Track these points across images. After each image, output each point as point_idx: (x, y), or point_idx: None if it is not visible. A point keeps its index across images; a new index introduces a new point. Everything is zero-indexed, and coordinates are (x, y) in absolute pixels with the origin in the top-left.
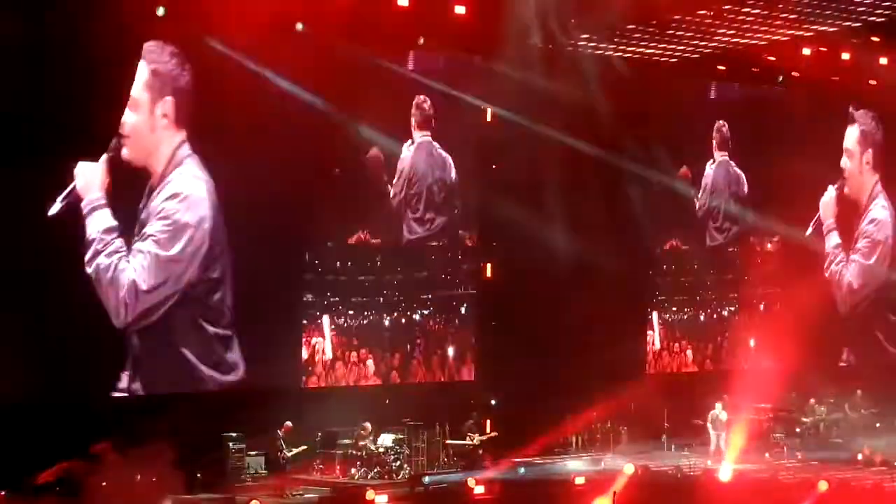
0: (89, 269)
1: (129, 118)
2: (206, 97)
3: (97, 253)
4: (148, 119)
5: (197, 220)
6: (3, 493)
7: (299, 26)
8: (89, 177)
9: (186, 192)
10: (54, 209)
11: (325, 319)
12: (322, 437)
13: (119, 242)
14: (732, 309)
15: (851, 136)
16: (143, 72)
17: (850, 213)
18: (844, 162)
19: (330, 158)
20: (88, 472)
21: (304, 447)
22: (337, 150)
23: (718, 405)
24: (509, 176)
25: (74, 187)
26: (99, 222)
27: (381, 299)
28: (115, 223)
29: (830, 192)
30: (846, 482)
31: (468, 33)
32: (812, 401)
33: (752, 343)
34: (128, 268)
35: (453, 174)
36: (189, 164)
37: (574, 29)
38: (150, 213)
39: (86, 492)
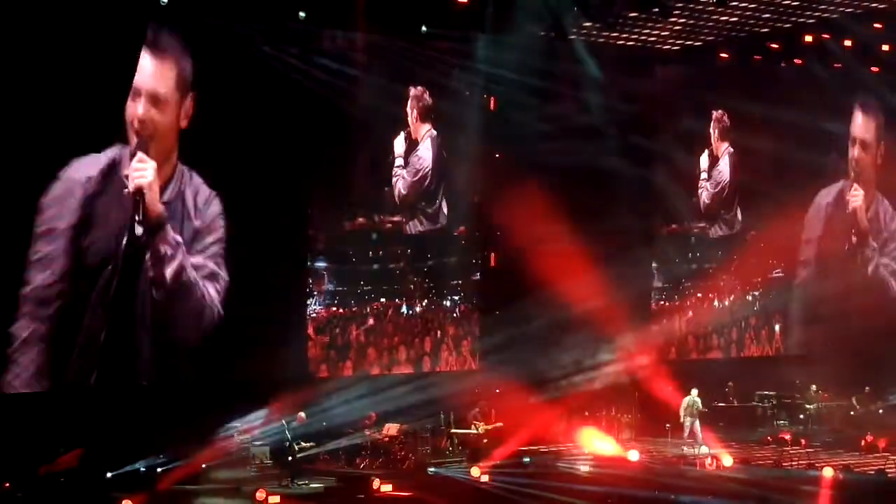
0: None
1: (153, 116)
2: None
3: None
4: (174, 120)
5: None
6: (7, 483)
7: (302, 15)
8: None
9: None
10: None
11: (357, 308)
12: (327, 426)
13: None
14: (757, 294)
15: (868, 126)
16: (172, 69)
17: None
18: (856, 153)
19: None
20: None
21: (312, 444)
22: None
23: (694, 391)
24: (512, 163)
25: None
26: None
27: (412, 286)
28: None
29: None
30: (850, 468)
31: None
32: (814, 387)
33: (777, 328)
34: (207, 287)
35: (454, 164)
36: (197, 177)
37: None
38: (203, 226)
39: None
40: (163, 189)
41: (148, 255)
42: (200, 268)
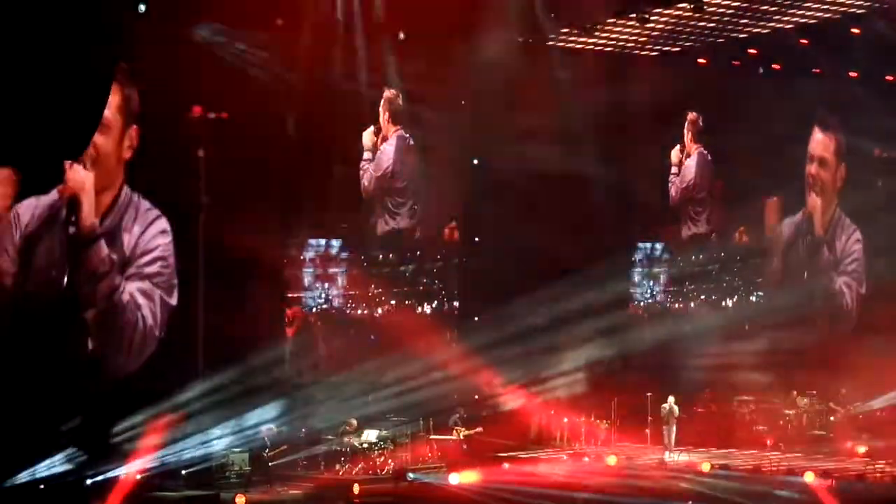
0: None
1: (94, 139)
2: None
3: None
4: (116, 148)
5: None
6: None
7: (279, 22)
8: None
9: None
10: None
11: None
12: (307, 433)
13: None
14: (731, 300)
15: (827, 142)
16: (115, 94)
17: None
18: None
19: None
20: None
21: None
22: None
23: (671, 399)
24: (491, 168)
25: None
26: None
27: (421, 287)
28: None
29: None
30: (830, 473)
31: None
32: (794, 393)
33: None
34: (142, 307)
35: (427, 167)
36: (144, 201)
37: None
38: (137, 247)
39: None
40: (104, 216)
41: (81, 272)
42: (138, 290)
